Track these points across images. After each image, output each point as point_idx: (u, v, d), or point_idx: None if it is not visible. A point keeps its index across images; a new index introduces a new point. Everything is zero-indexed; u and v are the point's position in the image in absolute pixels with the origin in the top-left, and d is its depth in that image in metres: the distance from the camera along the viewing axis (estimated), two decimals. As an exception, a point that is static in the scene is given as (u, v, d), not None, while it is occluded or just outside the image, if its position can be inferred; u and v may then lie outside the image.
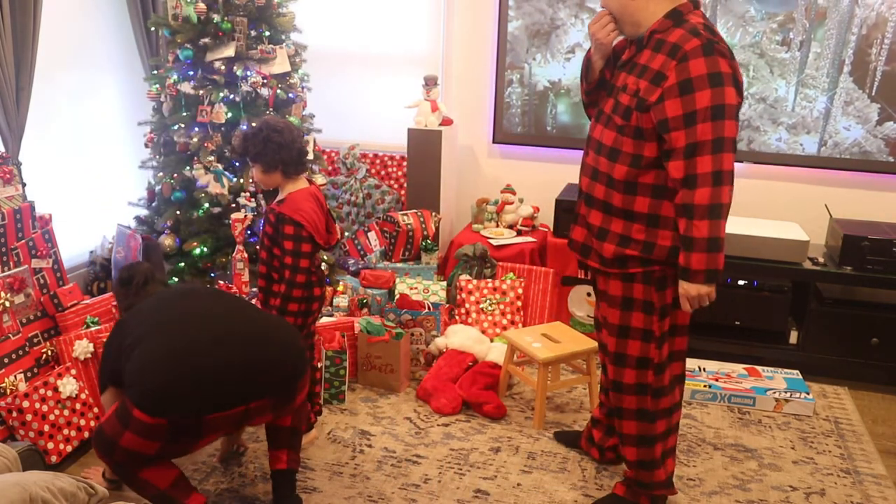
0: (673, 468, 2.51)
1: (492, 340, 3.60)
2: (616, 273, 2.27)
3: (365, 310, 3.65)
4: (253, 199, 3.54)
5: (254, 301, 3.21)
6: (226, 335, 2.18)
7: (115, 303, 2.30)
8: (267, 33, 3.58)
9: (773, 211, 4.05)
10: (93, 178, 4.10)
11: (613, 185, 2.21)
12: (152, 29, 3.88)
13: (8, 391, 2.66)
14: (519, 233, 4.20)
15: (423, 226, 4.12)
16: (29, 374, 2.82)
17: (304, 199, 2.59)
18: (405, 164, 4.39)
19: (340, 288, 3.79)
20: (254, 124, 2.62)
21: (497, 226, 4.28)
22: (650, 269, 2.22)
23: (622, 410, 2.40)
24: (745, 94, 3.91)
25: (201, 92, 3.50)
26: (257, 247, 2.79)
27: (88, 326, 3.02)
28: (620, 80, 2.22)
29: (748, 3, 3.84)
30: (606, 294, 2.33)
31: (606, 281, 2.32)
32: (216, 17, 3.45)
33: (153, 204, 3.75)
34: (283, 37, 3.70)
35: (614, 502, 2.53)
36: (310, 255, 2.58)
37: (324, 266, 3.78)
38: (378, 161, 4.68)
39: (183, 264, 3.59)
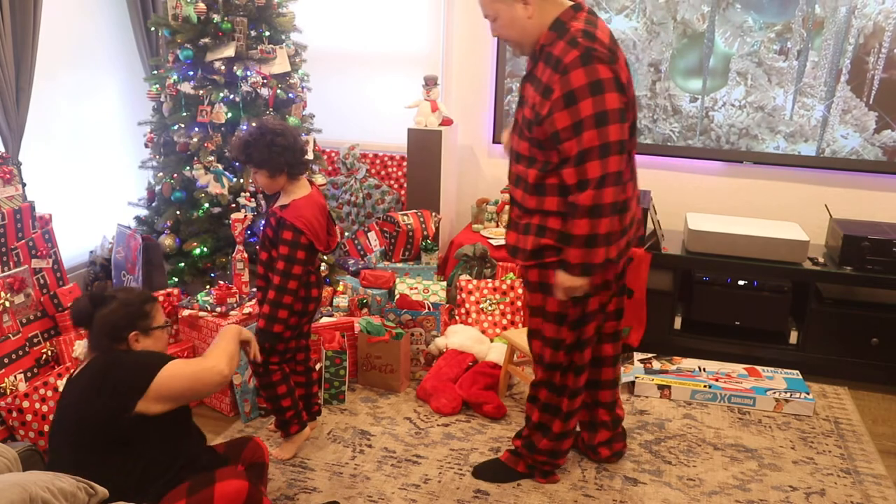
0: (567, 448, 2.68)
1: (492, 340, 3.60)
2: (535, 263, 2.39)
3: (365, 310, 3.65)
4: (253, 199, 3.54)
5: (253, 301, 3.22)
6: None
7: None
8: (267, 33, 3.58)
9: (773, 211, 4.05)
10: (93, 178, 4.10)
11: (530, 189, 2.33)
12: (152, 29, 3.88)
13: (8, 391, 2.66)
14: (519, 233, 4.20)
15: (423, 226, 4.11)
16: (29, 374, 2.82)
17: (308, 205, 2.58)
18: (405, 164, 4.39)
19: (340, 288, 3.79)
20: (252, 128, 2.59)
21: (497, 226, 4.28)
22: (562, 258, 2.33)
23: (536, 380, 2.60)
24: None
25: (201, 92, 3.50)
26: (257, 247, 2.78)
27: (88, 326, 3.02)
28: (524, 92, 2.33)
29: (746, 13, 3.85)
30: (528, 282, 2.47)
31: (527, 271, 2.45)
32: (216, 17, 3.45)
33: (153, 204, 3.75)
34: (283, 37, 3.70)
35: (496, 466, 2.72)
36: (304, 262, 2.56)
37: (323, 266, 3.78)
38: (378, 161, 4.68)
39: (183, 264, 3.59)
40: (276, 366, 2.70)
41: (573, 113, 2.12)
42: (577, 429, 2.83)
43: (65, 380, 2.11)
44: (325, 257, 3.77)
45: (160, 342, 2.08)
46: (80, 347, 2.89)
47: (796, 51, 3.84)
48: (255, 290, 3.24)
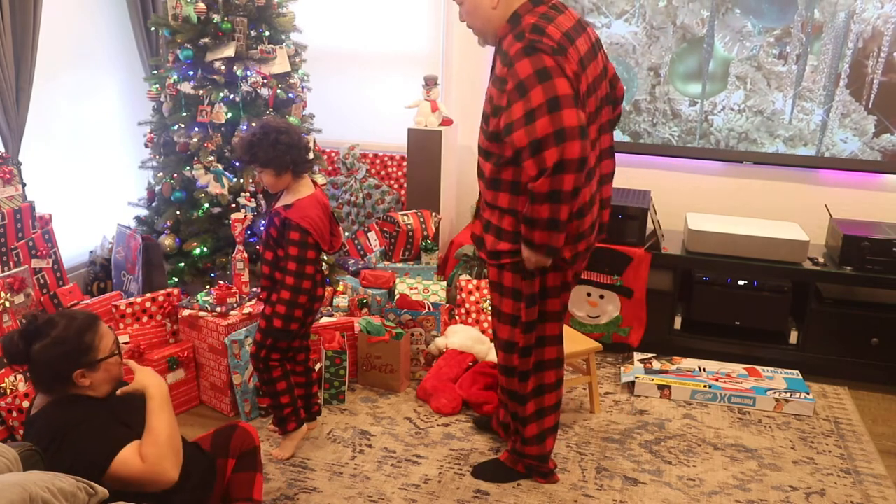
0: (551, 447, 2.68)
1: (491, 340, 3.60)
2: (493, 263, 2.43)
3: (365, 310, 3.65)
4: (253, 199, 3.54)
5: (253, 301, 3.21)
6: None
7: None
8: (267, 33, 3.58)
9: (773, 211, 4.05)
10: (93, 178, 4.10)
11: (487, 184, 2.38)
12: (152, 29, 3.88)
13: (8, 391, 2.67)
14: (519, 233, 4.20)
15: (423, 226, 4.11)
16: (29, 374, 2.82)
17: (312, 205, 2.58)
18: (405, 164, 4.39)
19: (340, 288, 3.79)
20: (255, 128, 2.59)
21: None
22: (517, 260, 2.36)
23: (500, 387, 2.65)
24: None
25: (201, 92, 3.50)
26: (258, 247, 2.78)
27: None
28: (487, 87, 2.36)
29: (746, 18, 3.85)
30: (490, 280, 2.50)
31: (489, 268, 2.49)
32: (216, 18, 3.45)
33: (153, 204, 3.75)
34: (283, 37, 3.70)
35: (496, 467, 2.73)
36: (315, 262, 2.58)
37: (324, 266, 3.78)
38: (378, 161, 4.68)
39: (183, 264, 3.59)
40: (276, 363, 2.71)
41: (526, 103, 2.12)
42: (498, 407, 2.93)
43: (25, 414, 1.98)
44: (325, 257, 3.77)
45: (111, 372, 1.91)
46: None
47: (795, 55, 3.84)
48: (255, 289, 3.24)
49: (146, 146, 3.74)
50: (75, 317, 1.90)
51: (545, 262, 2.31)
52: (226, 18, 3.46)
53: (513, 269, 2.39)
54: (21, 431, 2.61)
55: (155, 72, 3.74)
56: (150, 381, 1.95)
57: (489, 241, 2.41)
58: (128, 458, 1.81)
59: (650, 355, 3.65)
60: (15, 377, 2.74)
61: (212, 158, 3.49)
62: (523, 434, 2.63)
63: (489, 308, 3.78)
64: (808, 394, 3.29)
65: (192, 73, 3.53)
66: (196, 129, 3.53)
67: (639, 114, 4.12)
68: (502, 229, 2.35)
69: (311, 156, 2.69)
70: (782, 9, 3.80)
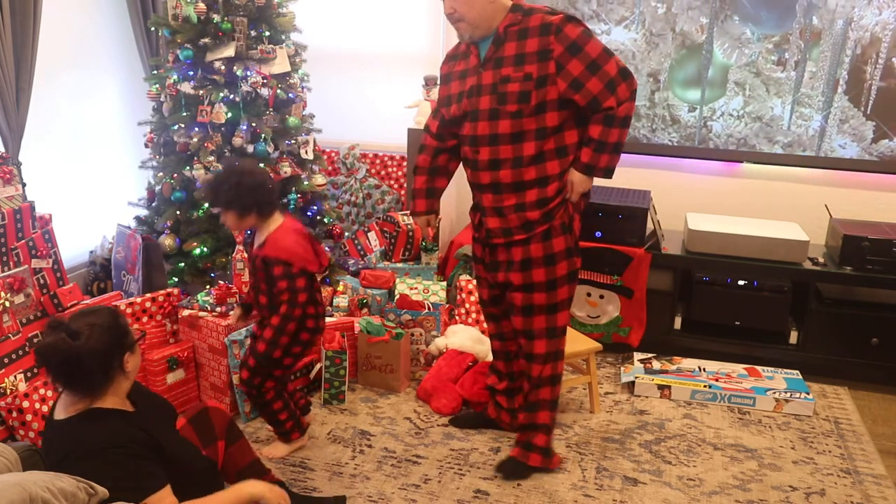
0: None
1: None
2: (539, 233, 2.57)
3: (365, 310, 3.65)
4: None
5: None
6: None
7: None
8: (267, 33, 3.58)
9: (773, 211, 4.05)
10: (93, 178, 4.10)
11: (523, 163, 2.52)
12: (152, 29, 3.88)
13: (8, 391, 2.66)
14: (519, 233, 4.20)
15: (423, 226, 4.11)
16: (29, 374, 2.82)
17: (284, 235, 2.57)
18: (405, 164, 4.39)
19: (340, 288, 3.79)
20: (219, 171, 2.61)
21: (497, 226, 4.27)
22: (566, 218, 2.59)
23: (544, 352, 2.69)
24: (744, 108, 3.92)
25: (201, 92, 3.50)
26: (247, 290, 2.74)
27: (88, 326, 3.02)
28: (491, 77, 2.49)
29: (744, 25, 3.87)
30: (531, 259, 2.60)
31: (526, 248, 2.60)
32: (216, 18, 3.45)
33: (153, 204, 3.75)
34: (283, 37, 3.69)
35: (514, 465, 2.75)
36: (307, 289, 2.58)
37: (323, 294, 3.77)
38: (378, 161, 4.68)
39: (183, 264, 3.59)
40: (270, 389, 2.70)
41: (584, 56, 2.39)
42: (492, 397, 3.02)
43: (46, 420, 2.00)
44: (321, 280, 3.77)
45: (139, 355, 1.99)
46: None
47: (794, 61, 3.84)
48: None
49: (146, 146, 3.74)
50: (96, 308, 1.92)
51: (588, 186, 2.58)
52: (226, 18, 3.46)
53: (563, 230, 2.58)
54: (21, 431, 2.61)
55: (155, 72, 3.74)
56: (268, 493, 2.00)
57: (533, 215, 2.55)
58: (162, 499, 1.83)
59: (650, 355, 3.65)
60: (15, 377, 2.74)
61: (212, 158, 3.49)
62: (545, 421, 2.74)
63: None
64: (808, 394, 3.29)
65: (192, 73, 3.53)
66: (196, 129, 3.52)
67: (638, 119, 4.13)
68: (548, 197, 2.54)
69: (277, 195, 2.67)
70: (781, 16, 3.81)
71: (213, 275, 3.57)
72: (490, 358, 3.42)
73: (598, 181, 4.20)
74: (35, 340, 2.94)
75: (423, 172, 2.87)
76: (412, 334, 3.48)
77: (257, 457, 2.37)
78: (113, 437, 1.83)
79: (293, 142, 3.75)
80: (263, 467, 2.38)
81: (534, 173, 2.52)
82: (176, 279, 3.60)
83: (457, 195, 4.58)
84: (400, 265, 4.09)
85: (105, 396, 1.89)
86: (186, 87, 3.51)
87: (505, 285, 2.69)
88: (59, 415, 1.88)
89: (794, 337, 3.63)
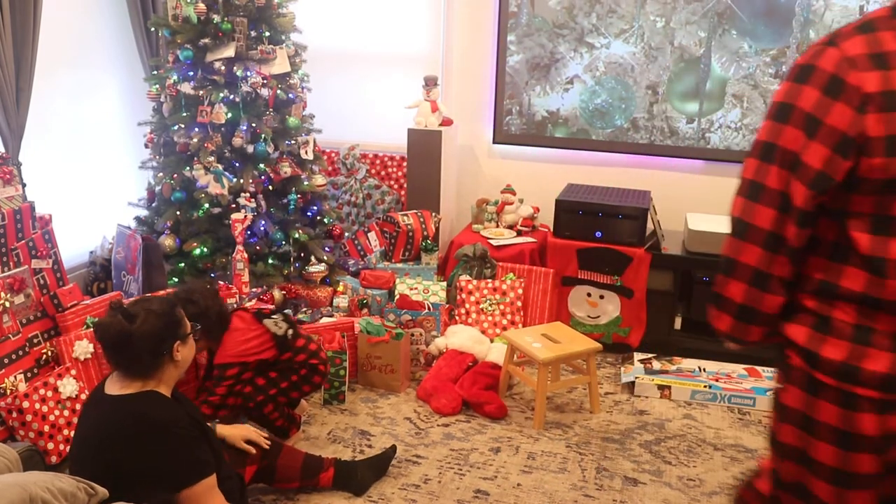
0: None
1: (492, 341, 3.60)
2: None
3: (365, 310, 3.65)
4: (253, 200, 3.54)
5: (254, 301, 3.21)
6: None
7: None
8: (267, 34, 3.58)
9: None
10: (93, 179, 4.10)
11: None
12: (152, 29, 3.88)
13: (8, 391, 2.66)
14: (519, 233, 4.20)
15: (423, 226, 4.11)
16: (29, 375, 2.82)
17: (229, 339, 2.65)
18: (405, 164, 4.39)
19: (340, 288, 3.79)
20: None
21: (497, 226, 4.28)
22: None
23: None
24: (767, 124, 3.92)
25: (201, 92, 3.50)
26: (221, 403, 2.73)
27: (88, 327, 3.02)
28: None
29: (742, 39, 3.89)
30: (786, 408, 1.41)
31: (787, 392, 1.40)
32: (216, 18, 3.45)
33: (153, 204, 3.75)
34: (283, 37, 3.70)
35: None
36: (259, 370, 2.71)
37: (323, 267, 3.78)
38: (378, 161, 4.68)
39: (183, 264, 3.59)
40: (273, 412, 2.80)
41: None
42: None
43: (87, 397, 2.04)
44: (325, 258, 3.78)
45: (191, 350, 2.05)
46: (80, 348, 2.89)
47: (791, 75, 3.86)
48: (255, 290, 3.24)
49: (146, 146, 3.74)
50: (154, 297, 2.01)
51: None
52: (226, 19, 3.47)
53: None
54: (21, 431, 2.61)
55: (155, 72, 3.74)
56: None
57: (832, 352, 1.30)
58: (212, 486, 1.91)
59: (650, 355, 3.65)
60: (15, 377, 2.74)
61: (212, 159, 3.49)
62: None
63: (489, 308, 3.79)
64: (808, 394, 3.29)
65: (192, 73, 3.53)
66: (196, 129, 3.53)
67: (636, 131, 4.16)
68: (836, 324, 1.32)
69: (227, 317, 2.72)
70: (778, 30, 3.84)
71: (213, 275, 3.57)
72: (490, 357, 3.42)
73: (599, 181, 4.24)
74: (35, 340, 2.94)
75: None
76: (412, 334, 3.48)
77: (305, 453, 2.56)
78: (176, 417, 1.90)
79: (293, 142, 3.75)
80: (318, 458, 2.58)
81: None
82: (176, 279, 3.60)
83: (457, 195, 4.58)
84: (400, 265, 4.09)
85: (155, 381, 1.94)
86: (186, 88, 3.52)
87: None
88: (112, 391, 1.92)
89: (794, 337, 3.62)
